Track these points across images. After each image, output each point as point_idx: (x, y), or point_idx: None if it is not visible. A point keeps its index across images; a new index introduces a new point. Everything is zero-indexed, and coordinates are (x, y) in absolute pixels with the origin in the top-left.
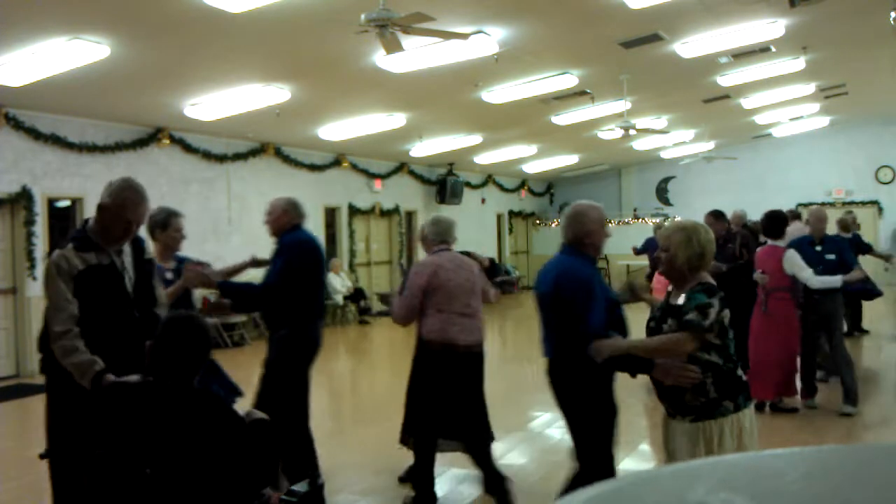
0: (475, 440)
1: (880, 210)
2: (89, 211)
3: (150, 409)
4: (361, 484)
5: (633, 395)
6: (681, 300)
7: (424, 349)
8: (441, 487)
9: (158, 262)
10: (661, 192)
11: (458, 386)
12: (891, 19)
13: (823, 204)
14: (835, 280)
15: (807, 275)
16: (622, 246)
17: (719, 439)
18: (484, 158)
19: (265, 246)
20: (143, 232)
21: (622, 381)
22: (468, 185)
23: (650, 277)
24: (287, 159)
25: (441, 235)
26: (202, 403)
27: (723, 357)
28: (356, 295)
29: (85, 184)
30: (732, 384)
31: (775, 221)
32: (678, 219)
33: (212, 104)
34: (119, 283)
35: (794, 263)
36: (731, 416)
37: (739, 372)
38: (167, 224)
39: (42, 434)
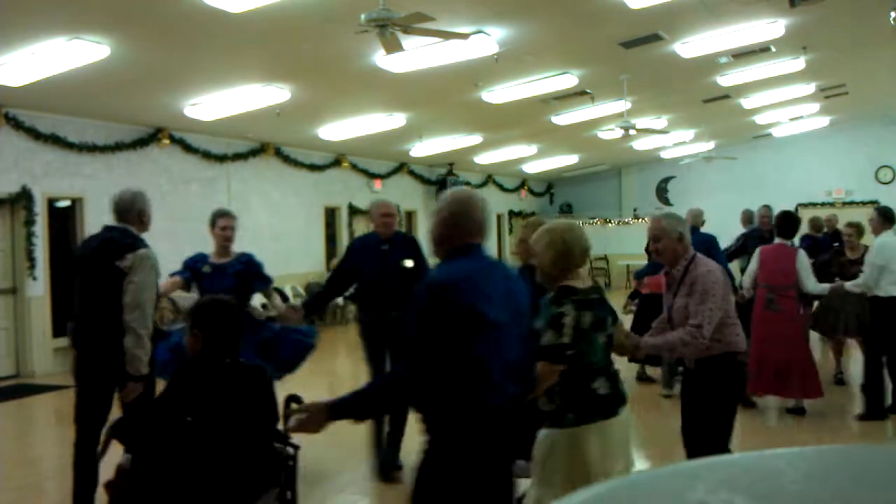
0: None
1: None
2: (89, 211)
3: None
4: (362, 484)
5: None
6: None
7: (729, 363)
8: None
9: (211, 256)
10: (661, 192)
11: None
12: (891, 19)
13: (824, 204)
14: (822, 287)
15: (810, 282)
16: (622, 246)
17: (551, 450)
18: (484, 158)
19: (266, 246)
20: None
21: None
22: (468, 185)
23: (639, 276)
24: (287, 159)
25: None
26: (233, 373)
27: (574, 364)
28: None
29: (85, 184)
30: (580, 394)
31: (789, 221)
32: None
33: (212, 104)
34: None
35: (803, 266)
36: (569, 430)
37: (599, 383)
38: (213, 223)
39: (42, 434)
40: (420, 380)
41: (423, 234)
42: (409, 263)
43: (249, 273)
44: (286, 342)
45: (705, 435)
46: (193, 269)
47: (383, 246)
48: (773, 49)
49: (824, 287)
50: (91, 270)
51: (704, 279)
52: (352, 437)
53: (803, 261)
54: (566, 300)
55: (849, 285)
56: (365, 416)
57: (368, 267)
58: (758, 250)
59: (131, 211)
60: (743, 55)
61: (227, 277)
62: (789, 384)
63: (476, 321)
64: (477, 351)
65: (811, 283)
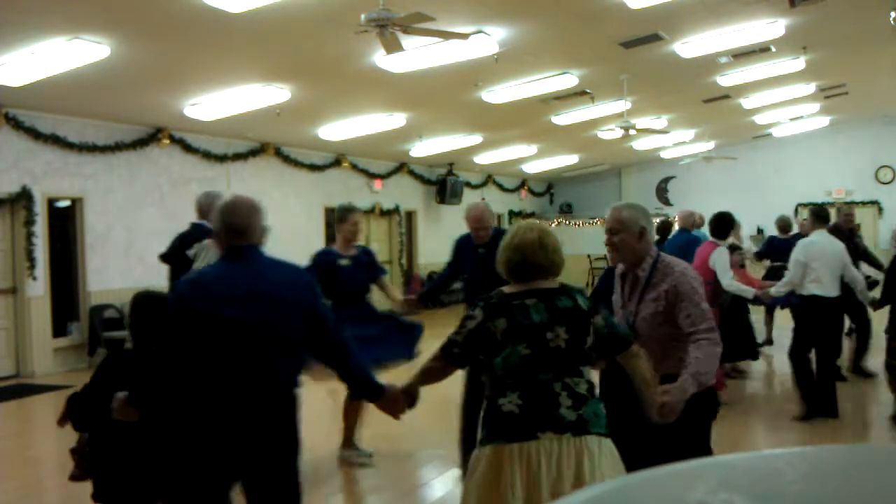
0: None
1: (880, 210)
2: (89, 211)
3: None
4: (362, 484)
5: None
6: None
7: None
8: (443, 487)
9: (338, 249)
10: (661, 192)
11: None
12: (891, 19)
13: (824, 204)
14: (746, 291)
15: (725, 279)
16: None
17: (472, 468)
18: (484, 158)
19: (265, 246)
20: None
21: None
22: (468, 185)
23: None
24: (287, 159)
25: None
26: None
27: (488, 377)
28: None
29: (85, 184)
30: (488, 409)
31: (723, 223)
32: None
33: (212, 104)
34: None
35: (719, 263)
36: (488, 448)
37: (509, 400)
38: (344, 219)
39: (42, 434)
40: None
41: (425, 236)
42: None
43: (373, 264)
44: (393, 340)
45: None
46: (327, 264)
47: (480, 250)
48: (773, 49)
49: (739, 286)
50: (172, 260)
51: (684, 280)
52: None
53: (718, 259)
54: (480, 303)
55: (773, 290)
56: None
57: (467, 268)
58: (698, 250)
59: (205, 208)
60: (743, 55)
61: (361, 268)
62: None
63: (201, 321)
64: (210, 351)
65: (725, 280)
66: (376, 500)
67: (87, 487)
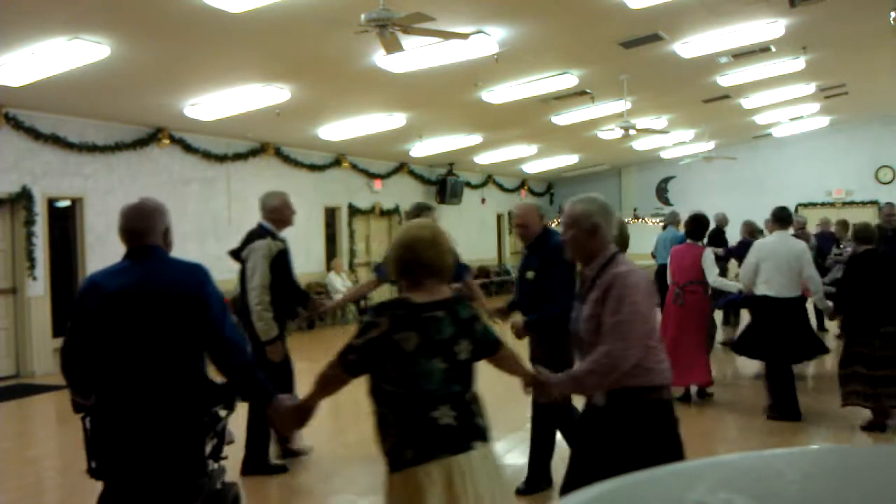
0: None
1: (880, 210)
2: (89, 211)
3: None
4: (361, 484)
5: None
6: None
7: (648, 401)
8: None
9: None
10: (661, 192)
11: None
12: (891, 19)
13: (824, 204)
14: (731, 286)
15: (711, 276)
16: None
17: (388, 497)
18: (484, 158)
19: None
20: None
21: None
22: (468, 185)
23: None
24: (287, 159)
25: (614, 228)
26: None
27: (404, 389)
28: None
29: (85, 184)
30: (418, 425)
31: (698, 224)
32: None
33: (212, 104)
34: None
35: (707, 263)
36: (406, 471)
37: (441, 412)
38: (420, 216)
39: (42, 434)
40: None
41: None
42: (529, 275)
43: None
44: None
45: None
46: None
47: (524, 251)
48: (773, 49)
49: (724, 281)
50: (237, 258)
51: (621, 281)
52: (352, 436)
53: (707, 258)
54: (386, 312)
55: (720, 285)
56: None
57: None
58: (672, 250)
59: (265, 209)
60: (743, 55)
61: None
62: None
63: (83, 316)
64: (99, 346)
65: (711, 277)
66: (376, 500)
67: (86, 487)
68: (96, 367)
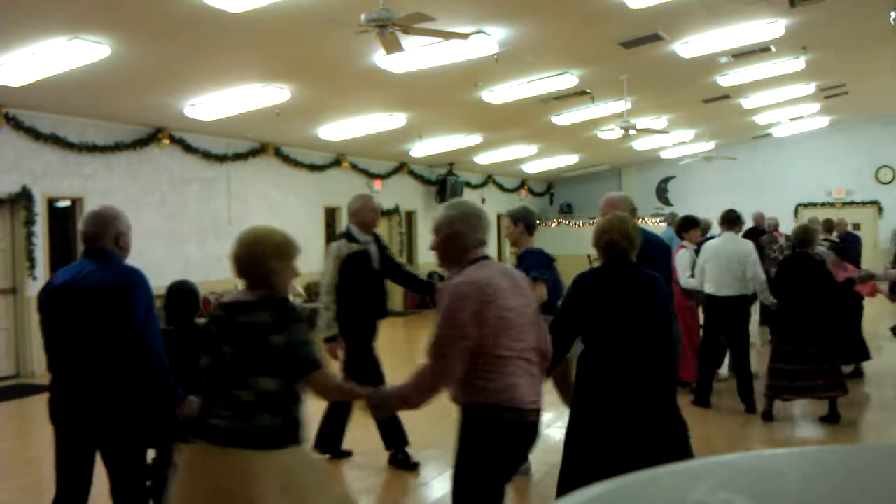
0: None
1: (880, 210)
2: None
3: None
4: (361, 484)
5: None
6: None
7: (486, 419)
8: (443, 487)
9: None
10: (661, 192)
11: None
12: (891, 19)
13: (824, 204)
14: (693, 283)
15: (682, 278)
16: None
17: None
18: (484, 158)
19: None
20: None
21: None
22: (468, 185)
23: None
24: (287, 159)
25: (482, 233)
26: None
27: (282, 386)
28: None
29: (85, 184)
30: (292, 419)
31: (686, 223)
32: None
33: (212, 104)
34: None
35: (678, 263)
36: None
37: (298, 407)
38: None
39: (42, 434)
40: None
41: (425, 236)
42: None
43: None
44: None
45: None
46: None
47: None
48: (773, 49)
49: (693, 283)
50: None
51: (449, 293)
52: (351, 436)
53: (679, 259)
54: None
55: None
56: None
57: None
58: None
59: (349, 211)
60: (743, 55)
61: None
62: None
63: (39, 306)
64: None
65: (682, 279)
66: (376, 500)
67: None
68: (48, 349)
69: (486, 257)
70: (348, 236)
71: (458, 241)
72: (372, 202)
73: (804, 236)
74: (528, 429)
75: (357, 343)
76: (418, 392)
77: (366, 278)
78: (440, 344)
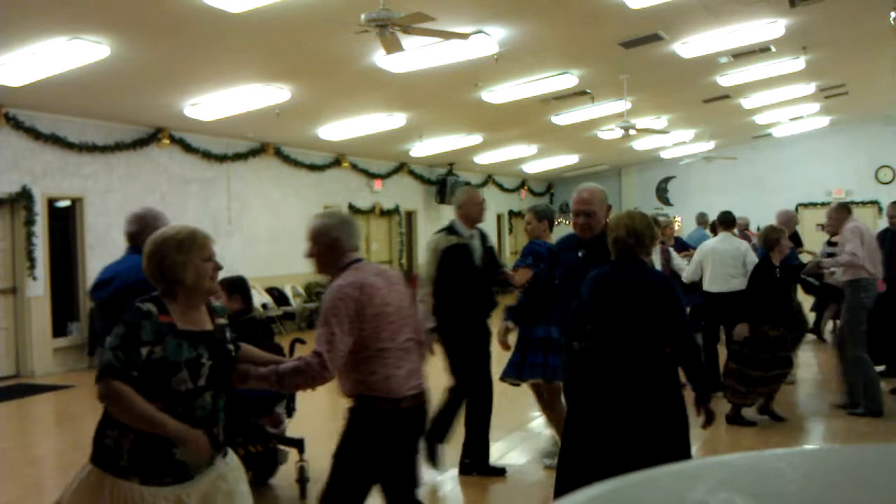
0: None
1: (880, 210)
2: (89, 211)
3: None
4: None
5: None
6: None
7: (367, 411)
8: (442, 487)
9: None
10: (661, 192)
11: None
12: (891, 19)
13: (824, 204)
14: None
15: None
16: None
17: None
18: (484, 158)
19: (265, 246)
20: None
21: None
22: (468, 185)
23: None
24: (287, 159)
25: (356, 239)
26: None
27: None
28: None
29: (85, 184)
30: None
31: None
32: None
33: (212, 104)
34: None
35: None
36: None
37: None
38: (552, 220)
39: (42, 434)
40: None
41: (425, 236)
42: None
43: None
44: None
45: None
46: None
47: (579, 252)
48: (773, 49)
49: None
50: None
51: (330, 294)
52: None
53: (672, 260)
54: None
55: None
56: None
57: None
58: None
59: (454, 205)
60: (743, 55)
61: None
62: None
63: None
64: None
65: (684, 275)
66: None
67: None
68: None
69: (359, 260)
70: (449, 229)
71: (336, 248)
72: (478, 196)
73: (771, 235)
74: (406, 415)
75: (462, 340)
76: (299, 376)
77: (465, 273)
78: (322, 338)
